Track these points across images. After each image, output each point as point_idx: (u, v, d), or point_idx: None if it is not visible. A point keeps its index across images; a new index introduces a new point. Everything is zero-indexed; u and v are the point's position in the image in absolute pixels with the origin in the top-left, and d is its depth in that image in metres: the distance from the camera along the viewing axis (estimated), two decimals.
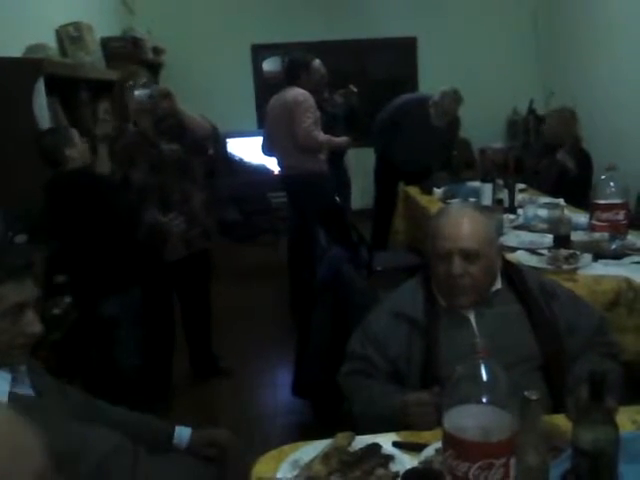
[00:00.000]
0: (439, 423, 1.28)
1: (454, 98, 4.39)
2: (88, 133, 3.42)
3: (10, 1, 3.25)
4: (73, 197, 2.62)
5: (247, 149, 6.00)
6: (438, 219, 1.62)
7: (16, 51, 3.10)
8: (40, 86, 2.86)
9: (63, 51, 3.89)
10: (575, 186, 3.53)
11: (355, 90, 4.61)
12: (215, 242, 3.12)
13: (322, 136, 3.89)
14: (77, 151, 2.66)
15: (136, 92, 2.70)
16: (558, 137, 3.86)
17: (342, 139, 4.16)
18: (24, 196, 2.86)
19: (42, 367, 1.44)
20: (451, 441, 0.99)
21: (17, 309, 1.28)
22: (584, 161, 3.77)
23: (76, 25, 3.96)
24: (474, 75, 6.30)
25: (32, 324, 1.29)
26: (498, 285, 1.61)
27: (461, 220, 1.55)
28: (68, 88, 3.40)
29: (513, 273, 1.65)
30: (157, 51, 5.74)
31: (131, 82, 2.85)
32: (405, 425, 1.38)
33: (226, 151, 6.03)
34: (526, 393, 1.05)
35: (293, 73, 3.95)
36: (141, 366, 2.97)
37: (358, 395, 1.57)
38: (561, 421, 1.33)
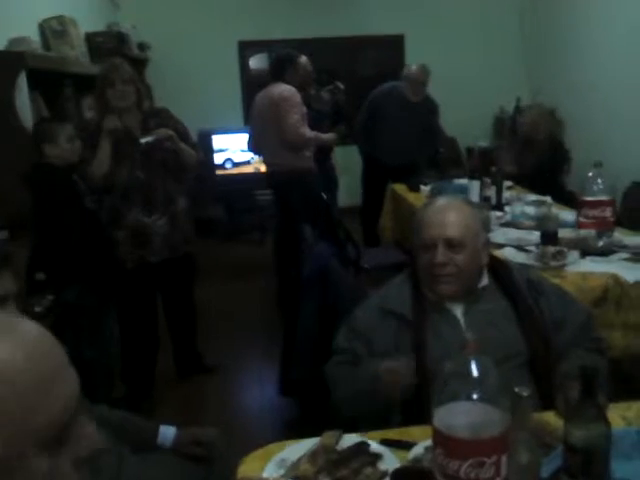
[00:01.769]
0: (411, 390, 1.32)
1: (421, 67, 4.43)
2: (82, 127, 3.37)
3: None
4: (32, 191, 2.59)
5: (233, 146, 5.96)
6: (424, 210, 1.63)
7: None
8: (22, 80, 2.81)
9: (46, 45, 3.82)
10: (549, 177, 3.80)
11: (342, 87, 4.60)
12: (194, 247, 3.07)
13: (309, 132, 3.86)
14: (59, 149, 2.60)
15: (142, 140, 2.70)
16: (534, 131, 4.04)
17: (329, 135, 4.14)
18: (5, 191, 2.81)
19: None
20: (441, 439, 0.97)
21: (2, 302, 1.25)
22: (557, 151, 4.03)
23: (60, 19, 3.89)
24: (461, 73, 6.32)
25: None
26: (485, 281, 1.60)
27: (446, 210, 1.56)
28: (52, 83, 3.35)
29: (500, 269, 1.65)
30: (142, 47, 5.67)
31: (110, 80, 2.73)
32: (382, 394, 1.40)
33: (212, 148, 5.99)
34: (517, 389, 1.04)
35: (279, 69, 3.92)
36: (107, 362, 2.92)
37: (341, 379, 1.57)
38: (551, 418, 1.32)
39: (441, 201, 1.63)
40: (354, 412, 1.48)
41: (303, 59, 4.09)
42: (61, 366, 0.60)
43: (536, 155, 3.91)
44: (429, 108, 4.54)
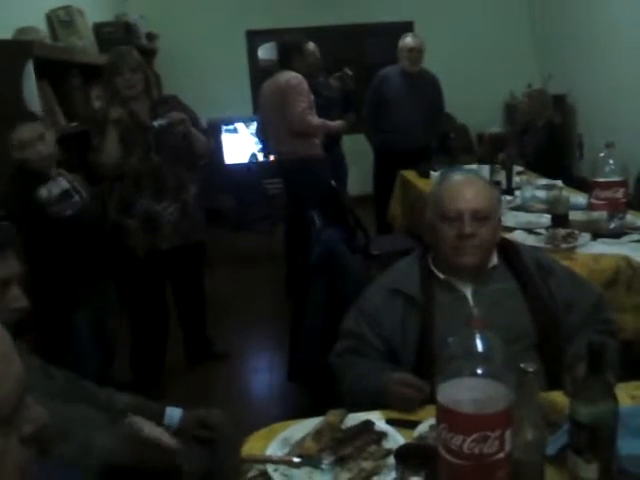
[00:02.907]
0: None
1: (413, 35, 4.52)
2: (79, 117, 3.38)
3: None
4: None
5: (242, 135, 5.95)
6: (442, 184, 1.62)
7: (5, 34, 3.05)
8: (29, 69, 2.81)
9: (54, 35, 3.83)
10: (547, 159, 3.83)
11: (350, 73, 4.56)
12: (204, 235, 3.06)
13: (316, 120, 3.83)
14: (27, 152, 2.38)
15: (155, 123, 2.68)
16: (532, 115, 4.12)
17: (337, 123, 4.11)
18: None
19: (27, 347, 1.41)
20: (445, 414, 0.96)
21: (1, 285, 1.25)
22: (557, 135, 4.11)
23: (67, 9, 3.90)
24: (471, 60, 6.25)
25: (18, 299, 1.28)
26: (494, 261, 1.58)
27: (467, 184, 1.57)
28: (59, 72, 3.36)
29: (509, 250, 1.63)
30: (151, 37, 5.67)
31: (118, 68, 2.69)
32: (387, 403, 1.36)
33: (220, 138, 5.98)
34: (522, 365, 1.02)
35: (286, 56, 3.89)
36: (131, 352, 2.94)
37: (348, 372, 1.54)
38: (558, 397, 1.30)
39: (458, 176, 1.63)
40: (358, 406, 1.45)
41: (311, 46, 4.06)
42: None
43: (534, 140, 3.93)
44: (429, 80, 4.53)
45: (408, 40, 4.43)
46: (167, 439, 1.40)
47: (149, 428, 1.39)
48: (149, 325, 2.97)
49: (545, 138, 3.95)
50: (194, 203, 2.89)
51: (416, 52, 4.41)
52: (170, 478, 1.35)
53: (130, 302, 2.99)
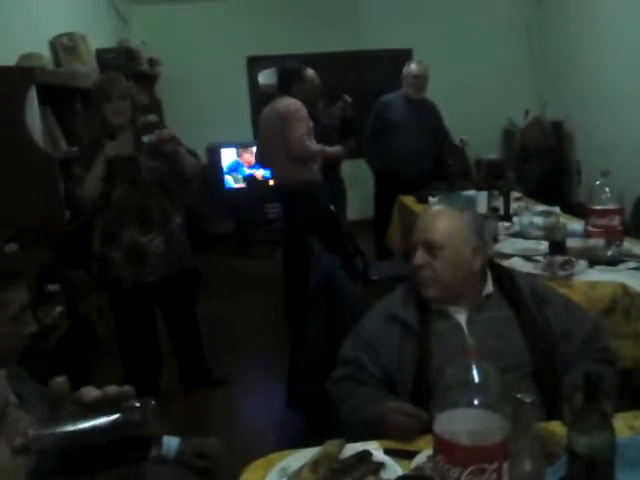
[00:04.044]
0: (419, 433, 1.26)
1: (418, 62, 4.52)
2: (80, 142, 3.41)
3: (4, 10, 3.25)
4: None
5: (242, 160, 6.00)
6: (418, 216, 1.66)
7: (9, 60, 3.09)
8: (32, 95, 2.85)
9: (57, 61, 3.89)
10: (551, 187, 3.92)
11: (349, 100, 4.61)
12: (193, 261, 3.01)
13: (315, 145, 3.87)
14: None
15: (145, 138, 2.61)
16: (528, 143, 4.24)
17: (335, 149, 4.14)
18: (16, 205, 2.85)
19: (28, 374, 1.41)
20: (442, 445, 0.96)
21: (15, 311, 1.29)
22: (556, 162, 4.25)
23: (70, 36, 3.96)
24: (470, 86, 6.33)
25: (29, 324, 1.31)
26: (489, 289, 1.59)
27: (435, 215, 1.59)
28: (62, 98, 3.40)
29: (504, 277, 1.63)
30: (152, 62, 5.74)
31: (107, 95, 2.61)
32: (383, 433, 1.35)
33: (221, 162, 6.03)
34: (519, 396, 1.02)
35: (286, 82, 3.94)
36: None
37: (345, 401, 1.53)
38: (556, 428, 1.30)
39: (434, 207, 1.65)
40: (355, 434, 1.44)
41: (310, 72, 4.11)
42: None
43: (535, 167, 3.97)
44: (430, 106, 4.57)
45: (413, 67, 4.47)
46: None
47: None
48: (139, 356, 2.90)
49: (545, 165, 3.98)
50: (180, 232, 2.84)
51: (421, 79, 4.45)
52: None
53: (119, 334, 2.94)
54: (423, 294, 1.56)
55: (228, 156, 6.07)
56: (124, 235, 2.68)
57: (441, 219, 1.57)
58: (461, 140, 4.58)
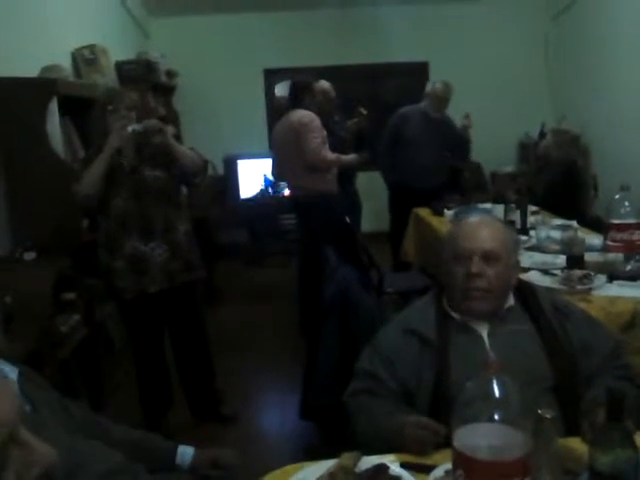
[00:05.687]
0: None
1: (444, 84, 4.50)
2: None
3: (27, 22, 3.31)
4: None
5: (258, 171, 6.03)
6: (457, 225, 1.65)
7: (32, 72, 3.15)
8: (53, 106, 2.90)
9: (78, 73, 3.95)
10: (561, 198, 3.84)
11: (365, 112, 4.62)
12: (201, 274, 2.86)
13: (330, 155, 3.88)
14: None
15: (129, 128, 2.54)
16: (552, 156, 4.16)
17: (351, 157, 4.14)
18: (35, 215, 2.88)
19: (47, 382, 1.41)
20: (461, 460, 0.95)
21: None
22: (571, 175, 4.10)
23: (91, 48, 4.03)
24: (486, 99, 6.32)
25: None
26: (511, 302, 1.58)
27: (482, 224, 1.59)
28: (82, 109, 3.44)
29: (525, 291, 1.62)
30: (170, 74, 5.81)
31: (110, 107, 2.59)
32: (400, 447, 1.34)
33: (237, 173, 6.06)
34: (540, 411, 1.01)
35: (297, 96, 3.97)
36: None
37: (362, 414, 1.52)
38: (576, 444, 1.28)
39: (474, 217, 1.65)
40: (372, 448, 1.43)
41: (323, 85, 4.13)
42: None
43: (548, 180, 3.95)
44: (447, 122, 4.57)
45: (439, 88, 4.46)
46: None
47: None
48: (148, 368, 2.86)
49: (563, 178, 3.97)
50: (186, 241, 2.75)
51: (444, 101, 4.47)
52: None
53: (132, 344, 2.91)
54: (470, 307, 1.52)
55: (245, 167, 6.10)
56: (126, 244, 2.64)
57: (490, 228, 1.57)
58: (466, 116, 4.53)
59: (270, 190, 6.00)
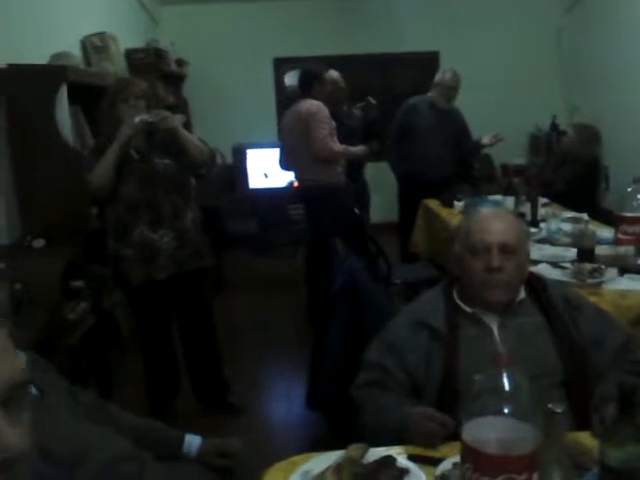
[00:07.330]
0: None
1: (453, 72, 4.42)
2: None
3: (37, 10, 3.29)
4: None
5: (267, 161, 6.00)
6: (471, 217, 1.63)
7: (41, 59, 3.14)
8: (63, 93, 2.89)
9: (87, 61, 3.94)
10: (581, 194, 3.83)
11: (374, 102, 4.58)
12: (209, 262, 2.85)
13: (338, 146, 3.86)
14: None
15: (136, 118, 2.54)
16: (574, 152, 4.08)
17: (359, 148, 4.12)
18: (44, 203, 2.89)
19: (54, 368, 1.42)
20: (470, 454, 0.94)
21: None
22: (591, 169, 4.09)
23: (101, 36, 4.01)
24: (497, 90, 6.26)
25: None
26: (522, 295, 1.57)
27: (498, 217, 1.58)
28: (91, 97, 3.43)
29: (536, 284, 1.61)
30: (180, 63, 5.80)
31: (124, 95, 2.60)
32: (408, 438, 1.33)
33: (246, 163, 6.04)
34: (550, 405, 1.00)
35: (306, 85, 3.94)
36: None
37: (369, 405, 1.52)
38: (586, 439, 1.27)
39: (488, 209, 1.64)
40: (379, 439, 1.43)
41: (330, 74, 4.09)
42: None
43: (568, 175, 3.92)
44: (456, 113, 4.52)
45: (448, 77, 4.39)
46: None
47: None
48: (156, 356, 2.87)
49: (584, 174, 3.96)
50: (194, 230, 2.75)
51: (453, 90, 4.40)
52: None
53: (139, 332, 2.92)
54: (490, 296, 1.52)
55: (253, 157, 6.08)
56: (135, 231, 2.65)
57: (506, 221, 1.57)
58: (494, 136, 4.44)
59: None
